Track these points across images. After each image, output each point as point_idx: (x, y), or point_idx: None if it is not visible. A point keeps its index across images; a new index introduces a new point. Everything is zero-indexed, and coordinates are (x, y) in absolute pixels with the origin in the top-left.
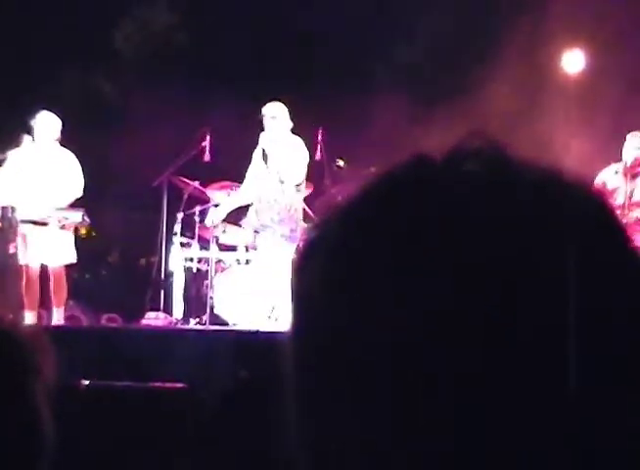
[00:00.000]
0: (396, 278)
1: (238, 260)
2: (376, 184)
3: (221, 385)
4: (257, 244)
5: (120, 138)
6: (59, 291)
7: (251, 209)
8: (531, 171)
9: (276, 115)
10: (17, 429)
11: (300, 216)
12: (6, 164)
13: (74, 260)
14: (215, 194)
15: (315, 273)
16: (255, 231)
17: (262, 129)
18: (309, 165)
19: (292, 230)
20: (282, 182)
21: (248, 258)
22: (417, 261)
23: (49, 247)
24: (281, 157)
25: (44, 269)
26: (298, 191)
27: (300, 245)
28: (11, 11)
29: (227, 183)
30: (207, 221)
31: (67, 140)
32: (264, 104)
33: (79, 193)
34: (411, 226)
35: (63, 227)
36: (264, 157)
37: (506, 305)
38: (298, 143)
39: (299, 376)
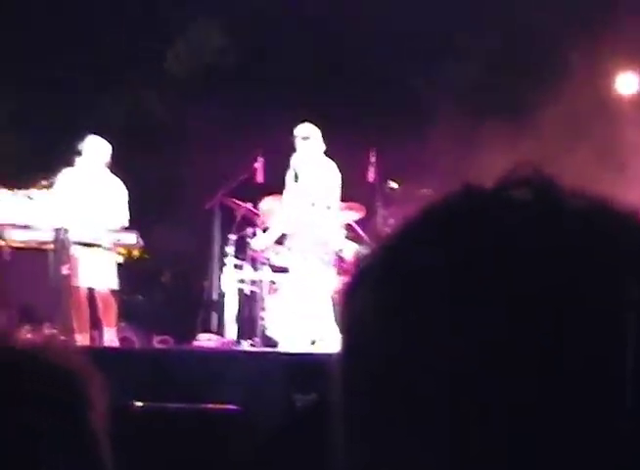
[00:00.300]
0: (453, 307)
1: (286, 283)
2: (429, 213)
3: (274, 407)
4: (296, 267)
5: (174, 160)
6: (107, 312)
7: (277, 230)
8: (581, 200)
9: (308, 135)
10: (77, 458)
11: (336, 239)
12: (57, 187)
13: (116, 287)
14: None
15: (368, 299)
16: (293, 255)
17: (294, 150)
18: (361, 187)
19: (326, 253)
20: (313, 204)
21: (294, 280)
22: (472, 291)
23: (98, 269)
24: (313, 178)
25: (92, 291)
26: (332, 214)
27: (345, 268)
28: (61, 33)
29: None
30: (255, 245)
31: (118, 162)
32: (318, 125)
33: (125, 221)
34: (466, 256)
35: (115, 250)
36: (296, 178)
37: (557, 335)
38: (331, 165)
39: (351, 401)
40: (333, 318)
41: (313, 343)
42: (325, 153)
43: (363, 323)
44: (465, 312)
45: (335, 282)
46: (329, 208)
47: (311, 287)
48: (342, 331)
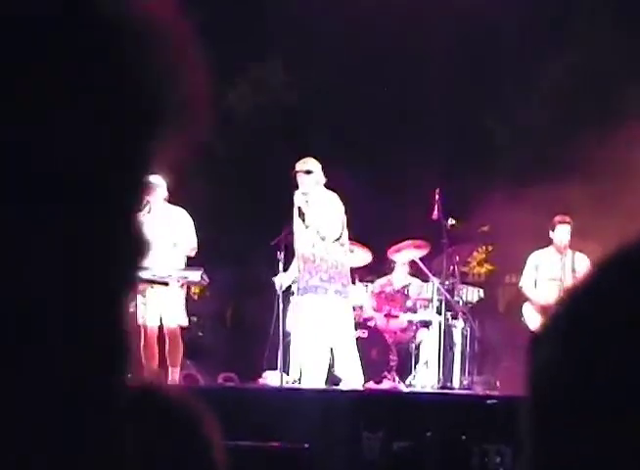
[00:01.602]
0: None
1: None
2: (621, 262)
3: (342, 445)
4: (308, 305)
5: (237, 194)
6: (174, 351)
7: (295, 269)
8: None
9: (310, 169)
10: None
11: (348, 271)
12: None
13: (186, 323)
14: None
15: (555, 351)
16: (304, 292)
17: (297, 186)
18: (428, 225)
19: (343, 285)
20: (323, 239)
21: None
22: None
23: (166, 306)
24: (317, 213)
25: (160, 329)
26: (342, 246)
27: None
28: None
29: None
30: (277, 286)
31: (178, 197)
32: (387, 167)
33: (192, 249)
34: None
35: (182, 286)
36: (301, 215)
37: None
38: (333, 197)
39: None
40: (354, 355)
41: (337, 384)
42: (326, 185)
43: (548, 376)
44: None
45: (352, 314)
46: (337, 239)
47: (330, 324)
48: (527, 381)
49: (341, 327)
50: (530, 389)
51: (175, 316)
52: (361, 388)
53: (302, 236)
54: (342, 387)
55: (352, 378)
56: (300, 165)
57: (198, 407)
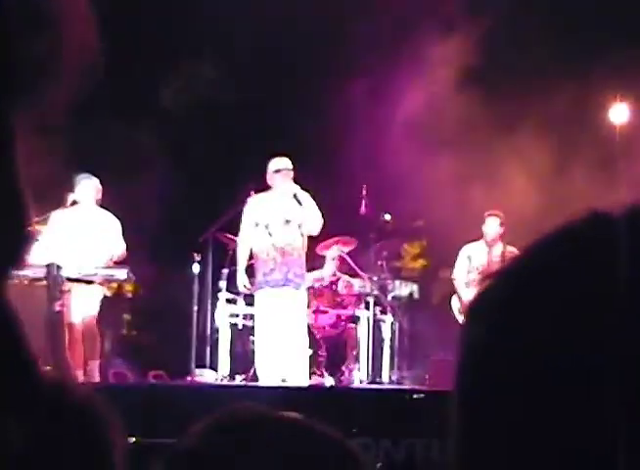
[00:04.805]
0: (586, 331)
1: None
2: (554, 241)
3: None
4: (286, 297)
5: (168, 193)
6: (90, 343)
7: (267, 264)
8: None
9: (291, 168)
10: None
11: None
12: (50, 223)
13: (96, 316)
14: None
15: (493, 320)
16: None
17: (274, 183)
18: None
19: (305, 282)
20: (302, 235)
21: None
22: (606, 320)
23: (88, 304)
24: (300, 209)
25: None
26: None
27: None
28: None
29: None
30: (241, 287)
31: (110, 195)
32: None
33: (121, 253)
34: (598, 284)
35: (106, 285)
36: (282, 210)
37: None
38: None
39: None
40: (304, 352)
41: (284, 380)
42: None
43: (485, 343)
44: (598, 337)
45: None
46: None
47: (284, 321)
48: (462, 348)
49: (302, 323)
50: (463, 361)
51: (91, 310)
52: (307, 384)
53: (281, 230)
54: (288, 383)
55: (301, 374)
56: (287, 164)
57: (101, 406)
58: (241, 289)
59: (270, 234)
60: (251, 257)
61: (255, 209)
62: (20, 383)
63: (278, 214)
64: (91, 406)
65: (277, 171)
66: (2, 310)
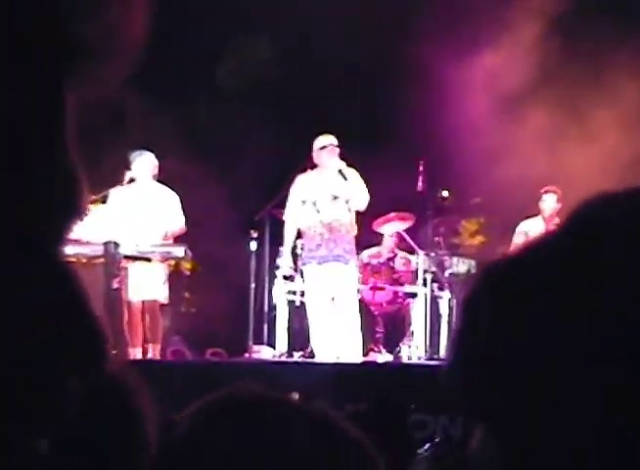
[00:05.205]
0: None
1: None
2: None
3: None
4: (334, 272)
5: (223, 172)
6: (153, 327)
7: (314, 240)
8: None
9: (337, 144)
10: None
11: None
12: (108, 201)
13: (166, 301)
14: None
15: (491, 303)
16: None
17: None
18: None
19: (354, 259)
20: (349, 210)
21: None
22: (618, 306)
23: (147, 282)
24: (348, 185)
25: (144, 304)
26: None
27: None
28: None
29: None
30: (284, 271)
31: (168, 174)
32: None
33: (180, 228)
34: (610, 270)
35: (165, 262)
36: (332, 186)
37: None
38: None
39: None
40: (357, 327)
41: (338, 357)
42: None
43: (481, 326)
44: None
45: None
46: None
47: (333, 295)
48: (458, 331)
49: (353, 297)
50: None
51: (154, 292)
52: (362, 360)
53: (329, 206)
54: (343, 359)
55: (355, 350)
56: (332, 140)
57: (135, 381)
58: (284, 270)
59: (318, 211)
60: (299, 235)
61: (302, 187)
62: (86, 345)
63: (325, 191)
64: (124, 381)
65: (322, 148)
66: (64, 276)
